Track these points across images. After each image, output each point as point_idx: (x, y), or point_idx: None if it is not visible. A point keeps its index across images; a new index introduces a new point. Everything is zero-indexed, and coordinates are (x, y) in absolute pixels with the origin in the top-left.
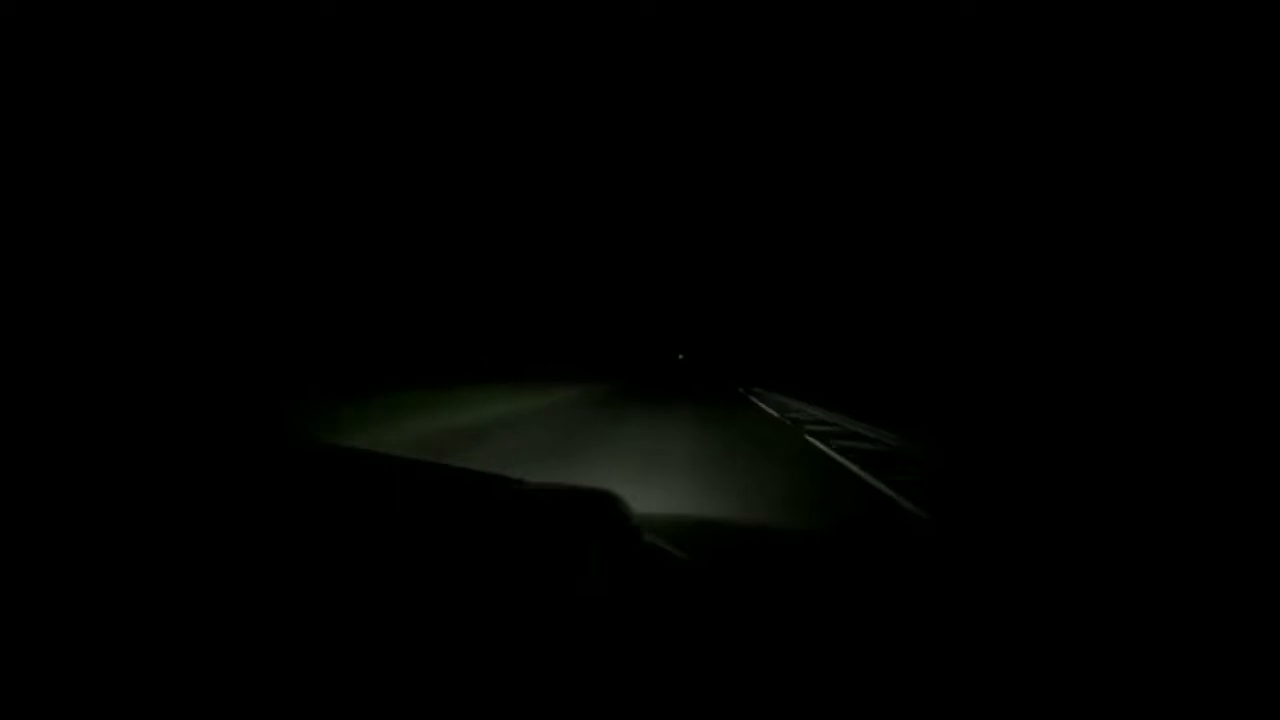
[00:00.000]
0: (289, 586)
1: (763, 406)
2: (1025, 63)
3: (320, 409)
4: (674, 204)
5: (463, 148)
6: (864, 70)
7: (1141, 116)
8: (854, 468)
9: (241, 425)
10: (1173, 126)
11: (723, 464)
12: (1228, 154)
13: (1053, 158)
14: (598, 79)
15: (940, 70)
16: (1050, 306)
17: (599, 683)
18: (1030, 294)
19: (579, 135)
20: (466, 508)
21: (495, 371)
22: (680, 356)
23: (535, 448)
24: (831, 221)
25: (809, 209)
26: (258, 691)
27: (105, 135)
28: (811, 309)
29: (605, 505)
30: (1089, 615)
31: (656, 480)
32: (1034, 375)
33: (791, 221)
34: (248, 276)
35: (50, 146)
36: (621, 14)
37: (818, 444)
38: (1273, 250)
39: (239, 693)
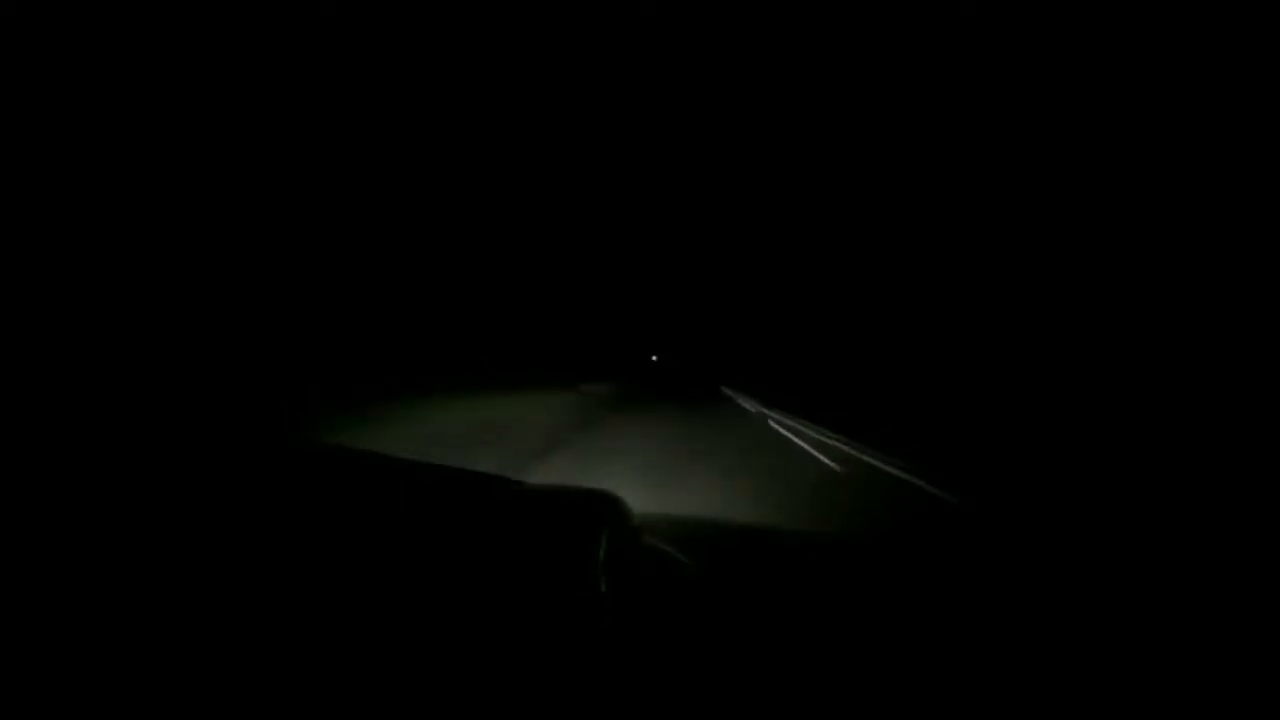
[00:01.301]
0: (290, 587)
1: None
2: (1016, 62)
3: (318, 418)
4: (644, 207)
5: (436, 151)
6: (851, 73)
7: (1141, 117)
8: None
9: (241, 425)
10: (1173, 127)
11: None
12: (1228, 154)
13: (1029, 158)
14: (583, 79)
15: (929, 71)
16: (1026, 304)
17: (598, 684)
18: (1005, 293)
19: (558, 134)
20: (466, 509)
21: (487, 375)
22: (654, 358)
23: None
24: (800, 225)
25: (778, 213)
26: (259, 692)
27: (106, 135)
28: (779, 313)
29: (605, 506)
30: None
31: None
32: (993, 371)
33: (760, 225)
34: (247, 277)
35: (50, 147)
36: (592, 19)
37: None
38: (1273, 250)
39: (240, 693)
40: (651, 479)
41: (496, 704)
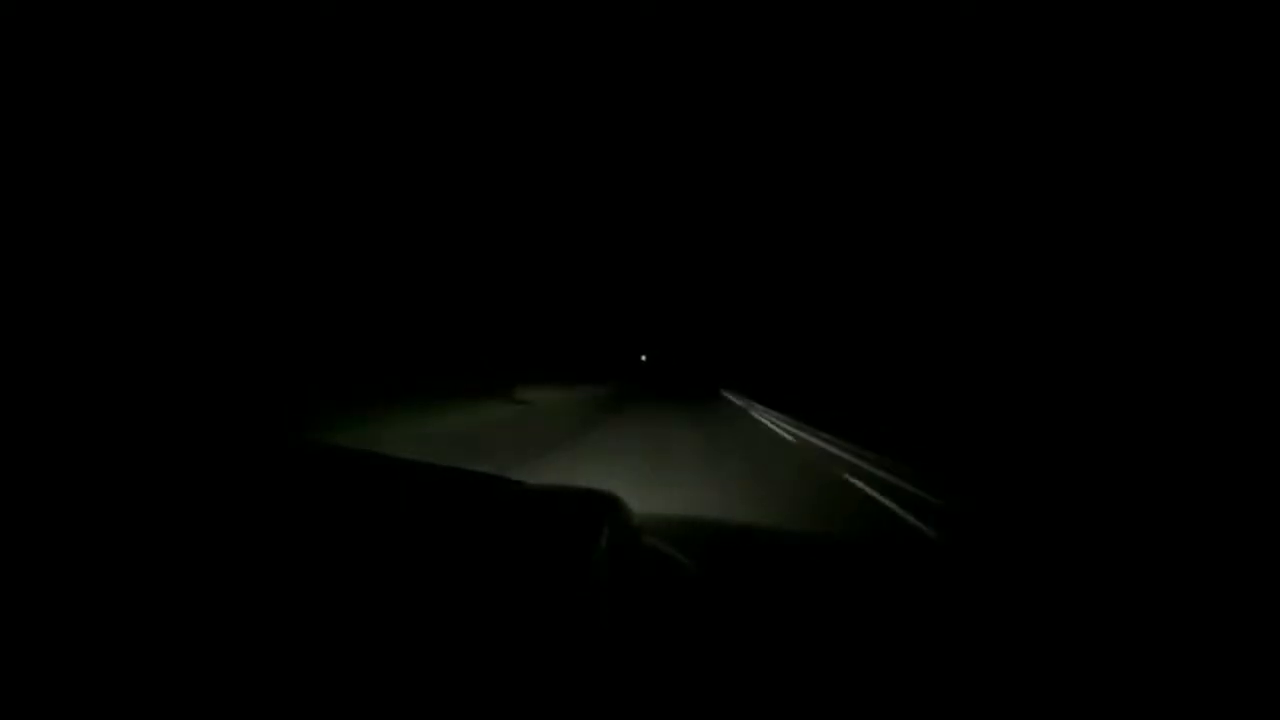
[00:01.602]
0: (289, 587)
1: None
2: (1016, 63)
3: (317, 418)
4: (638, 207)
5: (436, 151)
6: (849, 75)
7: (1142, 117)
8: None
9: (242, 425)
10: (1173, 127)
11: None
12: (1228, 154)
13: (1027, 160)
14: (578, 77)
15: (928, 73)
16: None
17: (598, 685)
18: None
19: (555, 132)
20: (465, 509)
21: (487, 376)
22: (643, 358)
23: None
24: (796, 224)
25: (773, 213)
26: (258, 692)
27: (105, 135)
28: (777, 312)
29: (605, 506)
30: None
31: None
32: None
33: (756, 225)
34: (248, 276)
35: (50, 146)
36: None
37: None
38: (1273, 250)
39: (239, 693)
40: None
41: (496, 705)
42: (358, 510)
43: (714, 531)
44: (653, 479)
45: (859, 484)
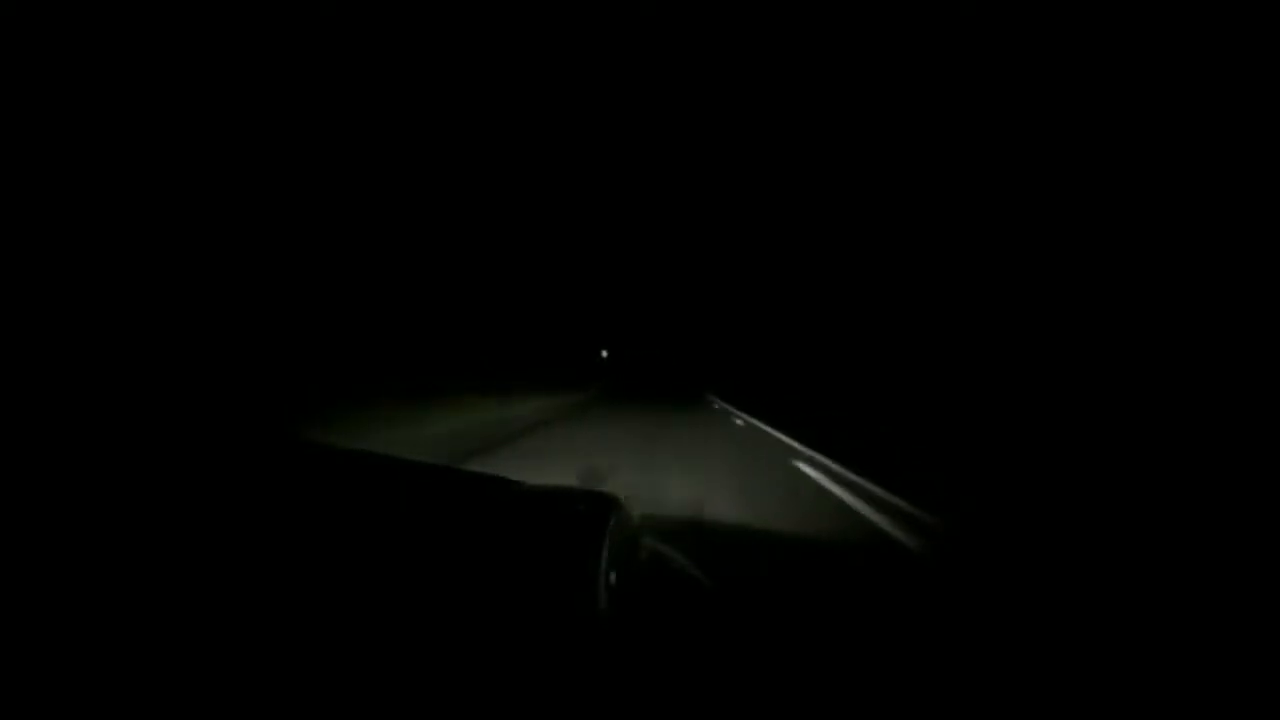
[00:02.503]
0: (288, 588)
1: None
2: (1016, 63)
3: (316, 417)
4: (595, 189)
5: (435, 150)
6: (831, 57)
7: (1142, 118)
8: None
9: (241, 425)
10: (1174, 127)
11: None
12: (1229, 155)
13: (1026, 161)
14: (570, 76)
15: (920, 64)
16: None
17: (600, 688)
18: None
19: (547, 130)
20: (464, 509)
21: (487, 376)
22: (604, 353)
23: None
24: (769, 212)
25: (742, 199)
26: (257, 692)
27: (104, 134)
28: (755, 303)
29: (606, 507)
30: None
31: None
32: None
33: (726, 211)
34: (247, 275)
35: (48, 146)
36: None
37: None
38: (1274, 251)
39: (238, 693)
40: None
41: (499, 708)
42: (355, 511)
43: (714, 532)
44: None
45: None
